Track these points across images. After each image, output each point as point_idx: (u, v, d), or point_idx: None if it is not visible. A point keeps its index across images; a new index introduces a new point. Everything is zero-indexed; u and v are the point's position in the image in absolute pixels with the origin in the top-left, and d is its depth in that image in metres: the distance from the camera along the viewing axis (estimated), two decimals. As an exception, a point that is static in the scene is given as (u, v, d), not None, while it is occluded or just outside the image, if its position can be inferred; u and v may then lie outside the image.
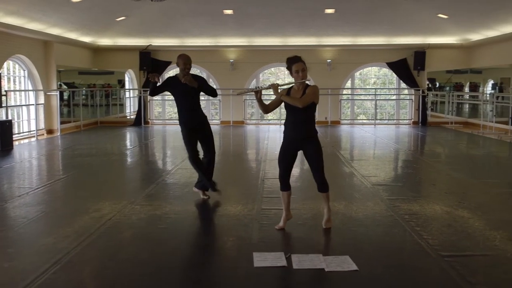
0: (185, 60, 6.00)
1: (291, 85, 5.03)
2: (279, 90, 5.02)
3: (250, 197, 6.49)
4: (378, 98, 20.52)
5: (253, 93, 5.03)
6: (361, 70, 19.77)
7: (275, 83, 4.96)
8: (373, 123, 18.43)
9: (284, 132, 5.14)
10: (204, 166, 6.30)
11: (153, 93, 6.16)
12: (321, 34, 16.87)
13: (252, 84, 18.89)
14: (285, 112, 5.13)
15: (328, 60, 17.98)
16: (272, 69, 20.87)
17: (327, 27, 15.92)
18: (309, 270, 3.98)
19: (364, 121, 20.36)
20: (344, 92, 19.26)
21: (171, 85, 6.14)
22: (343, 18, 14.85)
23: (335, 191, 7.00)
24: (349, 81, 19.12)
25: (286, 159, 5.08)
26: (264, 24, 15.62)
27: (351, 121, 19.17)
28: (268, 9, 14.03)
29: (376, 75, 21.65)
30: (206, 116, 6.38)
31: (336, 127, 16.93)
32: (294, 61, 4.96)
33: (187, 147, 6.26)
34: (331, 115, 17.92)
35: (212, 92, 6.31)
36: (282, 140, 5.18)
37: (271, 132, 15.28)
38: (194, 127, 6.20)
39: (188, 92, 6.06)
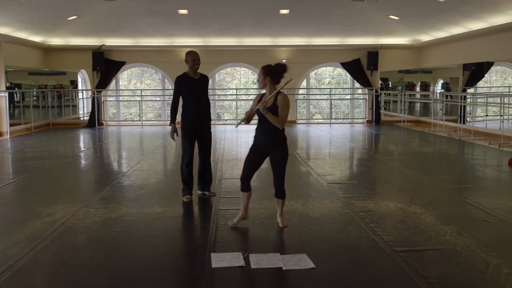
0: (194, 56, 6.12)
1: (266, 94, 5.10)
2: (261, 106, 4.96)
3: (207, 197, 6.46)
4: (333, 98, 20.84)
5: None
6: (316, 70, 20.01)
7: (264, 101, 4.94)
8: (328, 122, 18.70)
9: (255, 136, 5.18)
10: (199, 170, 6.43)
11: (175, 105, 6.24)
12: (276, 34, 16.98)
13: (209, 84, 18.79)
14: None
15: (284, 60, 18.09)
16: (228, 69, 20.88)
17: (282, 28, 16.04)
18: (267, 269, 4.01)
19: (320, 120, 20.63)
20: (300, 92, 19.45)
21: (181, 83, 6.19)
22: (298, 18, 14.98)
23: (292, 190, 7.06)
24: (305, 81, 19.33)
25: (253, 162, 5.09)
26: (219, 24, 15.59)
27: (306, 120, 19.38)
28: (223, 9, 13.99)
29: (331, 75, 21.97)
30: (210, 119, 6.39)
31: (292, 127, 17.07)
32: (283, 71, 5.10)
33: (184, 145, 6.27)
34: (287, 114, 18.02)
35: (207, 99, 6.39)
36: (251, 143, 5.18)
37: (227, 133, 15.27)
38: (197, 126, 6.22)
39: (196, 90, 6.15)
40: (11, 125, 14.43)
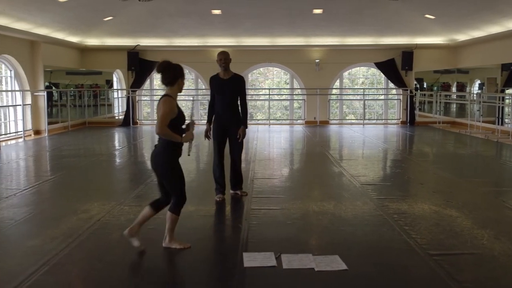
0: (220, 56, 6.12)
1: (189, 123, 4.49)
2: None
3: (239, 197, 6.48)
4: (367, 98, 20.62)
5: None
6: (350, 70, 19.84)
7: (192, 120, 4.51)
8: (361, 123, 18.52)
9: None
10: (230, 170, 6.45)
11: (210, 105, 6.32)
12: (309, 34, 16.91)
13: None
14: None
15: (317, 60, 18.02)
16: (261, 69, 20.89)
17: (315, 27, 15.96)
18: (299, 270, 3.99)
19: (353, 121, 20.43)
20: (333, 92, 19.32)
21: (211, 83, 6.26)
22: (331, 18, 14.89)
23: (324, 191, 7.04)
24: (338, 81, 19.19)
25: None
26: (252, 24, 15.62)
27: (339, 121, 19.23)
28: (256, 9, 14.02)
29: (365, 75, 21.74)
30: (241, 119, 6.26)
31: (325, 127, 16.97)
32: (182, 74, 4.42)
33: (213, 145, 6.36)
34: (320, 115, 17.97)
35: (242, 100, 6.30)
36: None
37: (260, 132, 15.28)
38: (226, 126, 6.22)
39: (223, 90, 6.15)
40: (49, 123, 14.80)
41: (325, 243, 4.77)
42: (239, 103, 6.32)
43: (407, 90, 17.88)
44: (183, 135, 4.33)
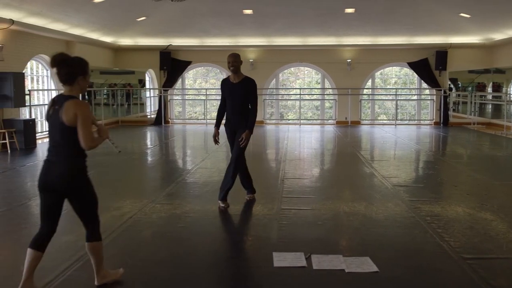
0: (228, 58, 5.89)
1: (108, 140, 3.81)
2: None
3: (270, 197, 6.49)
4: (399, 98, 20.34)
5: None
6: (382, 70, 19.62)
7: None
8: (393, 123, 18.29)
9: None
10: (226, 174, 6.15)
11: (219, 108, 6.17)
12: (341, 34, 16.79)
13: (272, 84, 18.88)
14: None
15: (348, 60, 17.88)
16: (292, 69, 20.83)
17: (347, 27, 15.84)
18: (329, 270, 3.97)
19: (385, 121, 20.19)
20: (365, 92, 19.14)
21: (221, 86, 6.09)
22: (363, 17, 14.74)
23: (355, 191, 6.98)
24: (370, 81, 19.00)
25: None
26: (283, 24, 15.60)
27: (371, 121, 19.03)
28: (287, 9, 13.99)
29: (397, 75, 21.46)
30: (247, 124, 5.90)
31: (356, 127, 16.83)
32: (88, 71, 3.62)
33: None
34: (351, 115, 17.82)
35: (252, 104, 5.99)
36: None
37: (290, 132, 15.25)
38: (234, 130, 6.04)
39: (232, 94, 5.95)
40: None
41: (356, 244, 4.73)
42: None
43: (440, 90, 17.57)
44: (96, 136, 3.58)
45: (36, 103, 14.10)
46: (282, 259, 4.17)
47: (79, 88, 3.49)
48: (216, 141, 6.08)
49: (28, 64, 13.27)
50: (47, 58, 14.03)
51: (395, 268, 4.07)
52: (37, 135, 12.19)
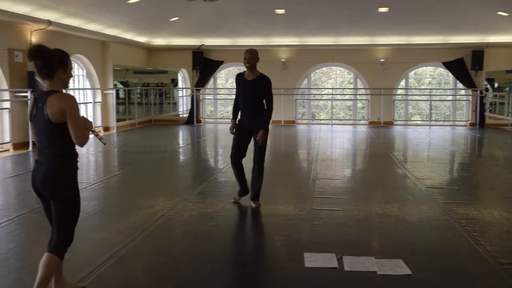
0: (244, 54, 5.78)
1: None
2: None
3: (301, 197, 6.47)
4: (433, 99, 19.99)
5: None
6: (416, 70, 19.32)
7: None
8: (427, 124, 17.99)
9: None
10: (252, 175, 6.02)
11: (235, 102, 6.08)
12: (374, 33, 16.60)
13: (304, 84, 18.81)
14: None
15: (381, 60, 17.66)
16: (324, 68, 20.71)
17: (380, 26, 15.65)
18: (361, 272, 3.93)
19: (419, 122, 19.87)
20: (398, 92, 18.88)
21: (236, 81, 6.01)
22: (397, 16, 14.55)
23: (388, 193, 6.89)
24: (403, 81, 18.72)
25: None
26: (316, 24, 15.53)
27: (404, 122, 18.76)
28: (320, 8, 13.92)
29: (432, 75, 21.10)
30: (263, 124, 5.81)
31: (389, 128, 16.61)
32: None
33: (232, 145, 6.11)
34: (384, 115, 17.60)
35: (267, 102, 5.88)
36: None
37: (322, 132, 15.17)
38: (245, 128, 5.96)
39: (246, 91, 5.86)
40: (117, 120, 15.35)
41: (388, 246, 4.67)
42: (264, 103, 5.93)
43: (476, 90, 17.18)
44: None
45: (72, 102, 14.39)
46: (313, 260, 4.16)
47: (60, 82, 3.22)
48: (233, 133, 6.03)
49: (65, 64, 13.54)
50: (83, 58, 14.32)
51: (429, 271, 4.00)
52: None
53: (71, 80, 3.46)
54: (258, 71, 5.91)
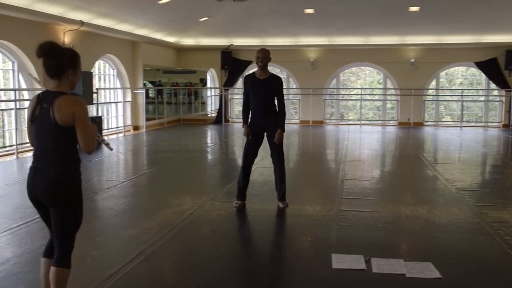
0: (257, 53, 5.74)
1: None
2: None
3: (329, 197, 6.43)
4: (465, 100, 19.62)
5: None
6: (447, 70, 19.00)
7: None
8: (459, 125, 17.66)
9: None
10: (275, 176, 5.95)
11: (244, 105, 5.98)
12: (404, 33, 16.39)
13: (333, 84, 18.71)
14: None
15: (412, 60, 17.43)
16: (353, 68, 20.55)
17: (411, 26, 15.45)
18: (389, 275, 3.88)
19: (450, 123, 19.54)
20: (428, 92, 18.59)
21: (247, 82, 5.92)
22: (428, 16, 14.32)
23: (417, 194, 6.80)
24: (434, 81, 18.43)
25: None
26: (345, 23, 15.42)
27: (435, 122, 18.47)
28: (349, 8, 13.82)
29: (463, 75, 20.71)
30: (278, 123, 5.79)
31: (419, 129, 16.38)
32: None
33: (244, 147, 6.04)
34: (414, 116, 17.35)
35: (279, 101, 5.85)
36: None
37: (351, 133, 15.05)
38: (261, 129, 5.90)
39: (259, 91, 5.79)
40: (146, 119, 15.54)
41: (418, 249, 4.60)
42: (276, 103, 5.90)
43: (510, 91, 16.79)
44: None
45: (102, 101, 14.63)
46: (341, 261, 4.13)
47: (69, 83, 2.99)
48: (249, 138, 5.96)
49: (96, 64, 13.78)
50: (114, 58, 14.54)
51: (459, 275, 3.93)
52: (103, 131, 12.65)
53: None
54: (269, 71, 5.90)
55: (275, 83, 5.83)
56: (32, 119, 2.94)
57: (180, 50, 18.45)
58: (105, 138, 3.26)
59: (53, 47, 2.91)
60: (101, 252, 4.40)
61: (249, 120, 5.96)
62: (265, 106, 5.84)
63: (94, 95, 12.56)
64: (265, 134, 5.94)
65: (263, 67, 5.79)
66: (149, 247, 4.47)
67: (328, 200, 6.27)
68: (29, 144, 3.01)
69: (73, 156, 2.98)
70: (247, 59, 18.18)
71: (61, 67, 2.93)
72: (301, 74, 18.05)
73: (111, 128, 14.76)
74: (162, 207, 5.91)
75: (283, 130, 5.81)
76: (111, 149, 3.44)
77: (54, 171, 2.89)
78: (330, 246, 4.56)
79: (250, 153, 5.99)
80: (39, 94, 3.00)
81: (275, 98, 5.88)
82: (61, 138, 2.88)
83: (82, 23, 11.60)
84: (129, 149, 11.56)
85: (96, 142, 3.06)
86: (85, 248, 4.53)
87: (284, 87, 6.18)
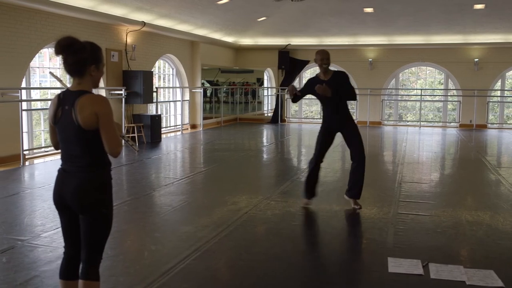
0: (321, 55, 5.67)
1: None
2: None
3: (386, 200, 6.31)
4: (533, 101, 18.71)
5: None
6: (514, 70, 18.20)
7: None
8: (525, 128, 16.89)
9: None
10: (353, 176, 5.85)
11: (295, 101, 5.96)
12: (468, 32, 15.83)
13: (392, 84, 18.33)
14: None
15: (475, 59, 16.81)
16: (413, 68, 20.05)
17: (475, 24, 14.90)
18: (448, 281, 3.77)
19: (515, 125, 18.69)
20: (493, 93, 17.87)
21: (311, 86, 5.81)
22: (494, 13, 13.76)
23: (479, 199, 6.56)
24: (499, 82, 17.70)
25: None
26: (406, 22, 15.07)
27: (499, 125, 17.73)
28: (410, 6, 13.49)
29: (531, 76, 19.75)
30: (351, 118, 5.86)
31: (482, 131, 15.77)
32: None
33: (315, 147, 5.97)
34: (477, 118, 16.73)
35: (349, 95, 5.76)
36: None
37: (409, 134, 14.70)
38: (335, 129, 5.85)
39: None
40: (204, 118, 15.79)
41: (479, 256, 4.43)
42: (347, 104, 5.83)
43: None
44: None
45: (162, 100, 14.99)
46: (397, 265, 4.04)
47: (92, 80, 2.76)
48: (290, 91, 5.77)
49: (156, 63, 14.13)
50: (173, 57, 14.85)
51: (524, 284, 3.76)
52: (162, 130, 12.97)
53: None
54: (331, 69, 5.83)
55: (342, 78, 5.75)
56: (55, 122, 2.75)
57: (238, 49, 18.62)
58: (129, 137, 3.01)
59: (72, 42, 2.66)
60: (159, 247, 4.51)
61: (326, 122, 5.85)
62: (338, 106, 5.75)
63: (154, 94, 12.88)
64: (342, 134, 5.84)
65: (327, 69, 5.72)
66: (205, 243, 4.55)
67: (385, 203, 6.16)
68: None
69: (104, 159, 2.78)
70: (305, 58, 18.11)
71: (82, 63, 2.68)
72: (359, 74, 17.78)
73: (170, 126, 15.10)
74: (218, 205, 5.99)
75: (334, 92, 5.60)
76: (136, 150, 3.32)
77: (83, 175, 2.71)
78: (386, 249, 4.48)
79: (320, 156, 5.91)
80: (59, 94, 2.77)
81: (345, 97, 5.75)
82: (87, 142, 2.69)
83: (144, 23, 11.93)
84: (186, 147, 11.78)
85: (122, 143, 2.84)
86: (143, 243, 4.67)
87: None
